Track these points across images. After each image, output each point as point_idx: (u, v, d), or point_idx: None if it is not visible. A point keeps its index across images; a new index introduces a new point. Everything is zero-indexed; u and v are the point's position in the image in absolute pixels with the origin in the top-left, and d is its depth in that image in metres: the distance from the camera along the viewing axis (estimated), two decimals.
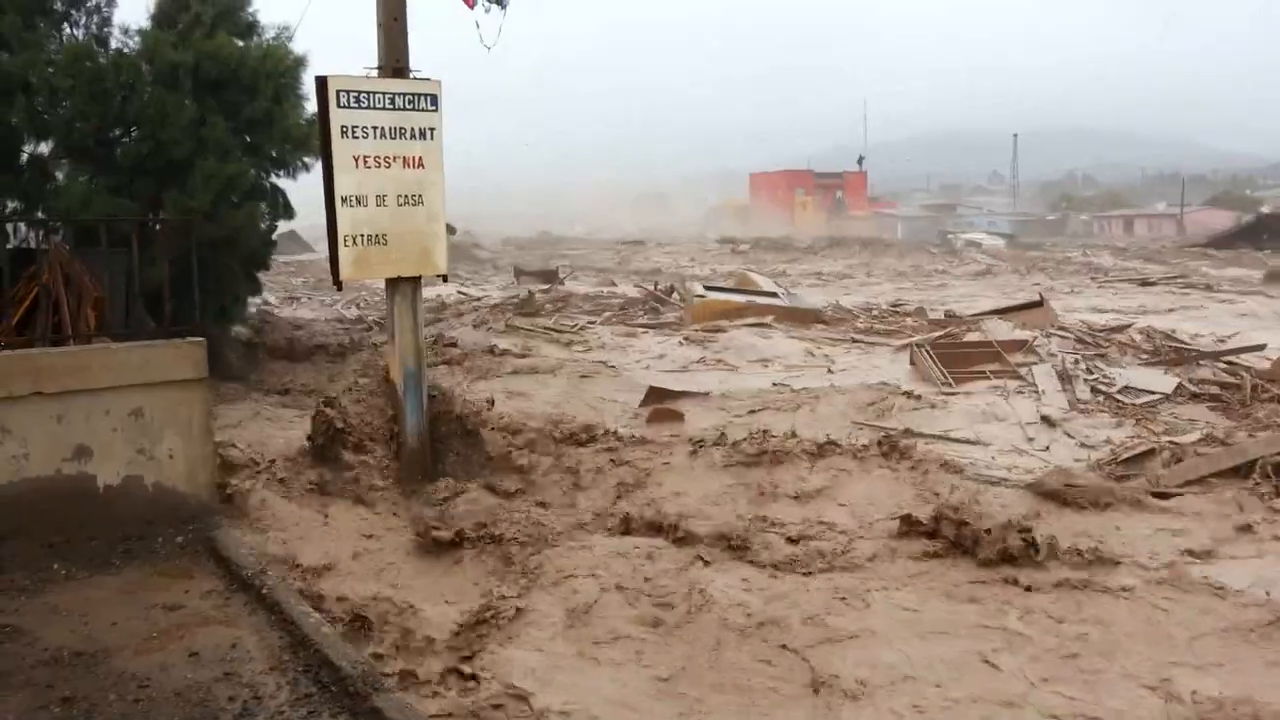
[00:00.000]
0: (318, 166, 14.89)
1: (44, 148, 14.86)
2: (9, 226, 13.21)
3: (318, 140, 13.33)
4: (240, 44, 15.07)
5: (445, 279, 11.04)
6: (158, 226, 12.95)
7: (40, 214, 14.04)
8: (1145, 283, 31.45)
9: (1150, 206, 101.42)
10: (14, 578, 6.03)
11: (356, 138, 9.45)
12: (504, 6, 9.96)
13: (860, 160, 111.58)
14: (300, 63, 15.32)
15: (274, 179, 16.09)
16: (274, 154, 15.50)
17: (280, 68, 14.83)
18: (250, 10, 15.72)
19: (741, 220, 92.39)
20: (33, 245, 11.98)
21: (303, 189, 16.49)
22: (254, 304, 19.09)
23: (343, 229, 9.49)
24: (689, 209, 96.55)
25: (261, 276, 17.54)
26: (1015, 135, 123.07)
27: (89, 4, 15.02)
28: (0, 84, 13.57)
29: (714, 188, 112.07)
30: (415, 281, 10.36)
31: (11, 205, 14.66)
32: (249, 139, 15.07)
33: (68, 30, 15.00)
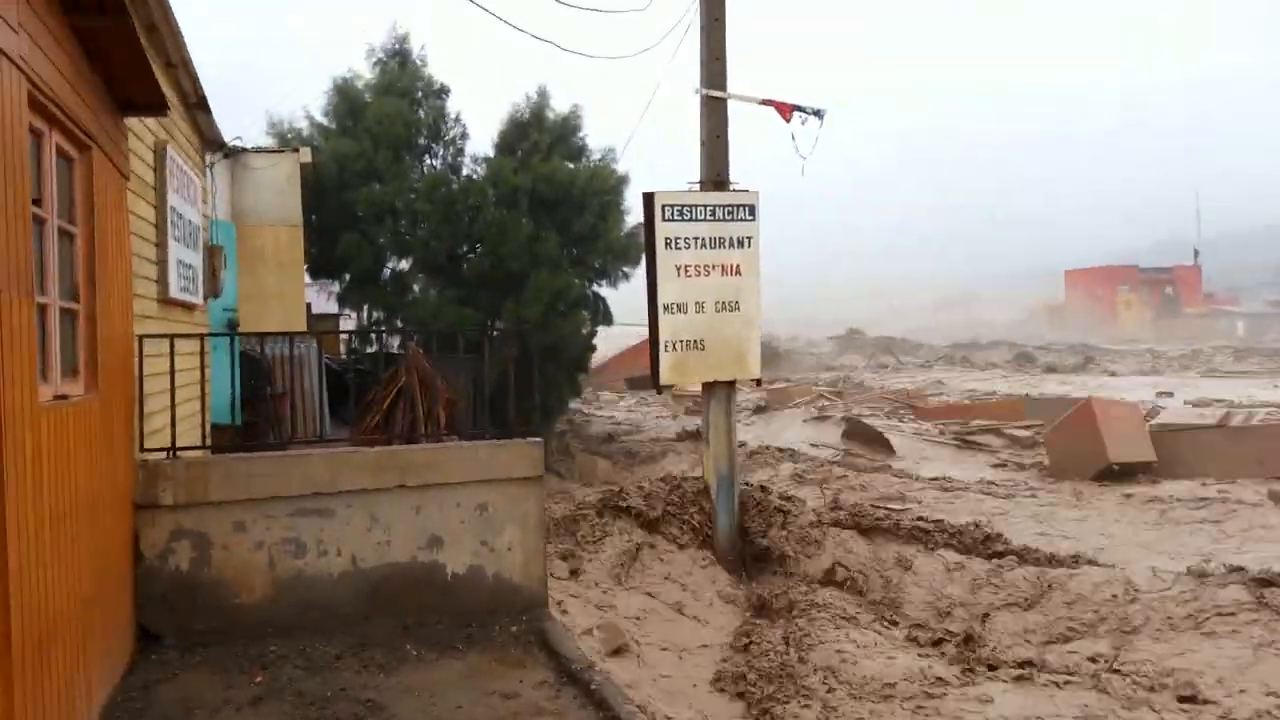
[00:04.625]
0: (636, 275, 15.84)
1: (404, 264, 16.84)
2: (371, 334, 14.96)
3: (636, 251, 14.14)
4: (571, 166, 16.43)
5: (759, 383, 11.15)
6: (495, 334, 14.10)
7: (399, 322, 15.85)
8: None
9: None
10: (374, 655, 6.58)
11: (679, 248, 9.89)
12: (821, 118, 10.14)
13: (1195, 254, 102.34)
14: (623, 181, 16.46)
15: (595, 288, 17.24)
16: (597, 265, 16.64)
17: (605, 186, 15.99)
18: (580, 135, 17.15)
19: (1056, 322, 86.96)
20: (393, 350, 13.48)
21: (616, 295, 17.54)
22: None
23: (664, 335, 9.88)
24: (1002, 310, 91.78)
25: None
26: None
27: (446, 138, 17.02)
28: (373, 210, 15.59)
29: (1026, 286, 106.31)
30: (730, 386, 10.57)
31: (376, 315, 16.66)
32: (575, 252, 16.28)
33: (428, 161, 17.02)
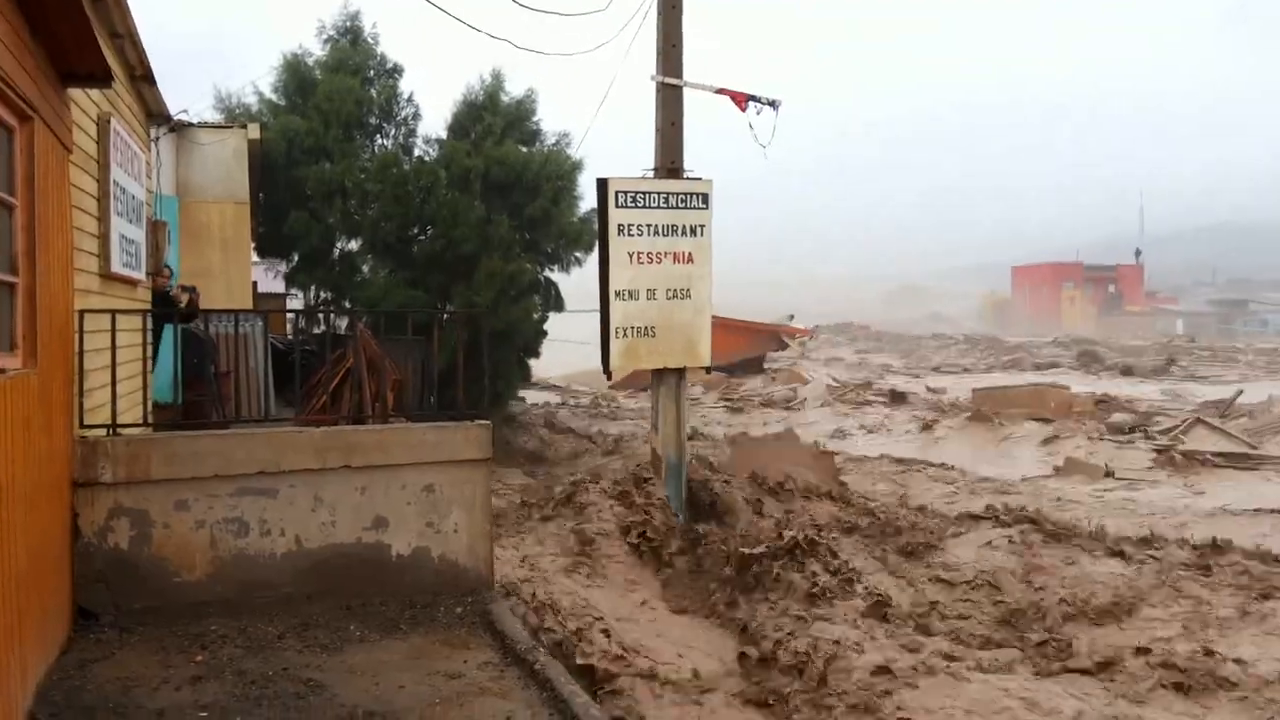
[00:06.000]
0: (588, 261, 15.88)
1: (353, 245, 16.68)
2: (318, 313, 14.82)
3: (589, 237, 14.08)
4: (525, 150, 16.37)
5: (709, 371, 11.24)
6: (445, 318, 14.04)
7: (347, 303, 15.71)
8: None
9: None
10: (317, 635, 6.56)
11: (632, 235, 9.93)
12: (776, 108, 10.22)
13: (1137, 253, 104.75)
14: (577, 166, 16.45)
15: (548, 273, 17.23)
16: (549, 250, 16.62)
17: (559, 171, 15.97)
18: (535, 120, 17.08)
19: (1001, 316, 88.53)
20: (341, 331, 13.38)
21: (568, 280, 17.55)
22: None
23: (615, 321, 9.93)
24: (951, 303, 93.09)
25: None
26: None
27: (398, 118, 16.85)
28: (322, 189, 15.42)
29: (973, 281, 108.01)
30: (680, 373, 10.64)
31: (324, 295, 16.49)
32: (528, 236, 16.25)
33: (379, 141, 16.84)
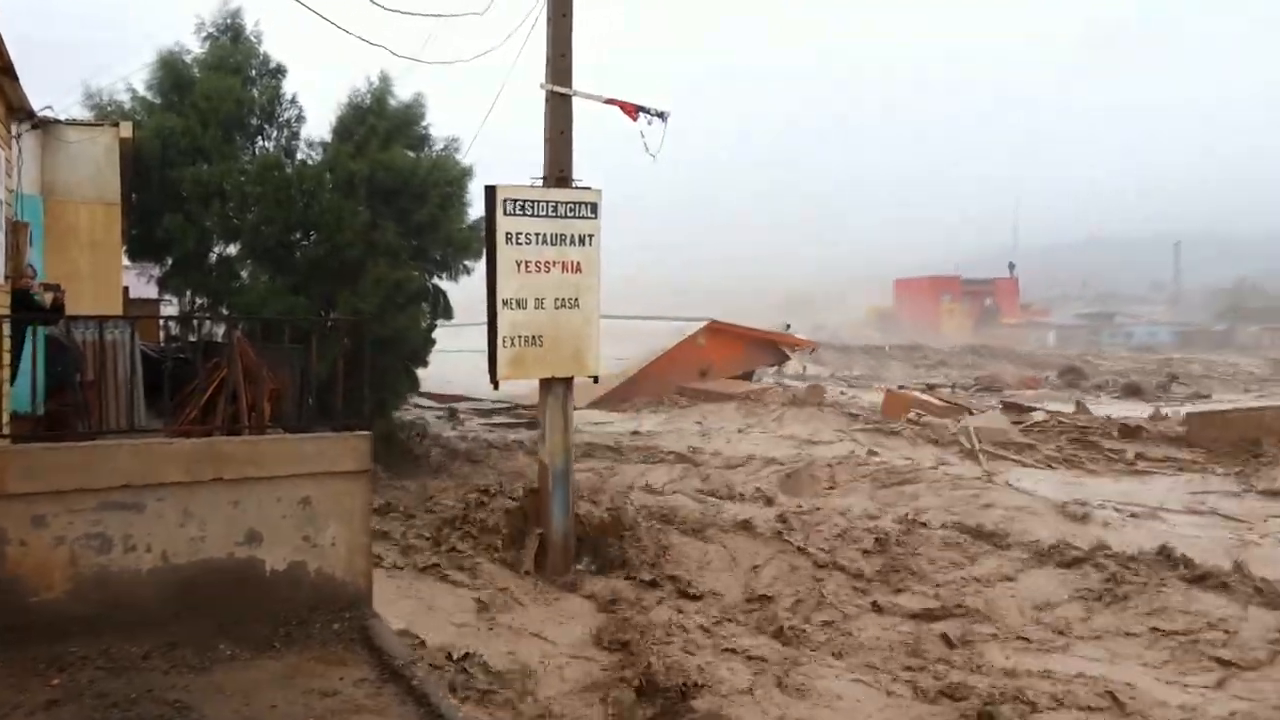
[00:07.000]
0: (477, 269, 15.73)
1: (232, 249, 16.16)
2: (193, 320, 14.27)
3: (479, 244, 13.93)
4: (412, 155, 16.11)
5: (596, 380, 11.27)
6: (330, 325, 13.72)
7: (224, 310, 15.20)
8: None
9: None
10: (185, 655, 6.32)
11: (520, 244, 9.91)
12: (665, 119, 10.34)
13: (1011, 266, 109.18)
14: (467, 172, 16.25)
15: (436, 281, 16.98)
16: (438, 257, 16.39)
17: (448, 177, 15.77)
18: (423, 125, 16.83)
19: (885, 326, 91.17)
20: (218, 339, 12.91)
21: (456, 289, 17.33)
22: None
23: (503, 330, 9.88)
24: (839, 313, 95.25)
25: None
26: (1178, 243, 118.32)
27: (281, 120, 16.40)
28: (199, 191, 14.91)
29: (859, 292, 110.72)
30: (567, 382, 10.64)
31: (200, 301, 15.93)
32: (416, 243, 15.99)
33: (261, 143, 16.36)
